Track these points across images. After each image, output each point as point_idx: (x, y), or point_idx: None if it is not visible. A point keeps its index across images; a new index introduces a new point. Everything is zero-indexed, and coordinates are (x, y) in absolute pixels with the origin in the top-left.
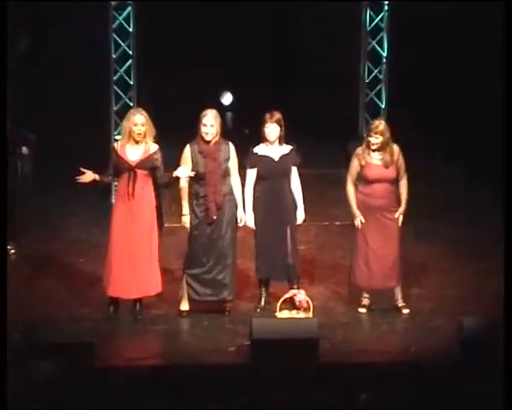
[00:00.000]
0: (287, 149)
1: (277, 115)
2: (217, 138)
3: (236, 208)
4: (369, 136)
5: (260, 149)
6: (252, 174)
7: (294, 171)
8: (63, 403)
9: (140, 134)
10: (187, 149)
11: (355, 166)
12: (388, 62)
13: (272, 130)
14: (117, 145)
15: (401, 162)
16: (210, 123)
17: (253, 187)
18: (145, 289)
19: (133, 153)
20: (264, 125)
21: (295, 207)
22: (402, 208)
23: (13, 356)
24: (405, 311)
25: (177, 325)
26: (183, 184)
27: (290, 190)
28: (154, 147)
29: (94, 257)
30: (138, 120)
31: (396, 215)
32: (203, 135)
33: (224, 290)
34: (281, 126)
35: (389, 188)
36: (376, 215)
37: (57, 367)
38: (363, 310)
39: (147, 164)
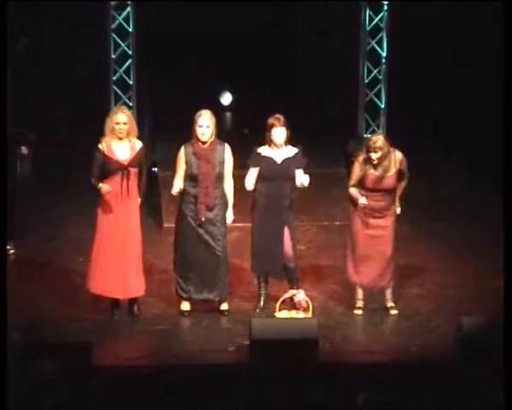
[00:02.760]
0: (291, 151)
1: (283, 118)
2: (212, 139)
3: (224, 211)
4: (368, 152)
5: (264, 150)
6: (253, 172)
7: (300, 173)
8: (62, 403)
9: (122, 132)
10: (181, 151)
11: (356, 172)
12: (388, 62)
13: (281, 133)
14: (102, 146)
15: (404, 169)
16: (206, 124)
17: (253, 185)
18: (131, 289)
19: (121, 152)
20: (272, 129)
21: (294, 210)
22: (396, 210)
23: (12, 356)
24: (393, 312)
25: (177, 324)
26: (176, 186)
27: (291, 191)
28: (139, 144)
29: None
30: (120, 119)
31: (393, 216)
32: (199, 136)
33: (211, 291)
34: (287, 129)
35: (387, 194)
36: (372, 215)
37: (56, 367)
38: (359, 312)
39: (136, 162)
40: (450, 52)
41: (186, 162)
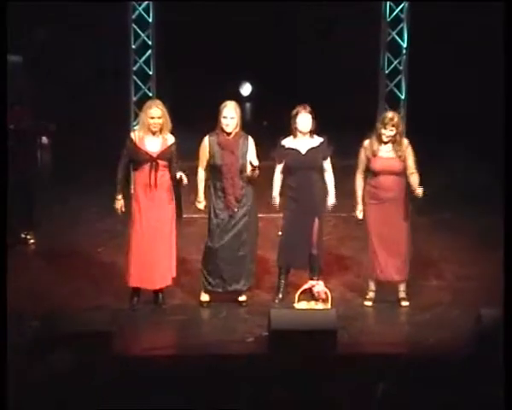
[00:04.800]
0: (316, 141)
1: (309, 107)
2: (237, 130)
3: (253, 200)
4: (382, 128)
5: (288, 142)
6: (280, 168)
7: (327, 163)
8: (80, 392)
9: (156, 127)
10: (205, 141)
11: (362, 159)
12: (408, 53)
13: (306, 121)
14: (135, 136)
15: (409, 155)
16: (230, 115)
17: (281, 178)
18: (165, 278)
19: (152, 144)
20: (297, 116)
21: (324, 199)
22: (418, 191)
23: (31, 345)
24: (405, 303)
25: (196, 315)
26: (200, 175)
27: (319, 182)
28: (171, 139)
29: (113, 247)
30: (155, 114)
31: (405, 211)
32: (223, 127)
33: (239, 281)
34: (313, 118)
35: (397, 180)
36: (386, 207)
37: (74, 356)
38: (369, 303)
39: (166, 155)
40: (472, 42)
41: (210, 152)
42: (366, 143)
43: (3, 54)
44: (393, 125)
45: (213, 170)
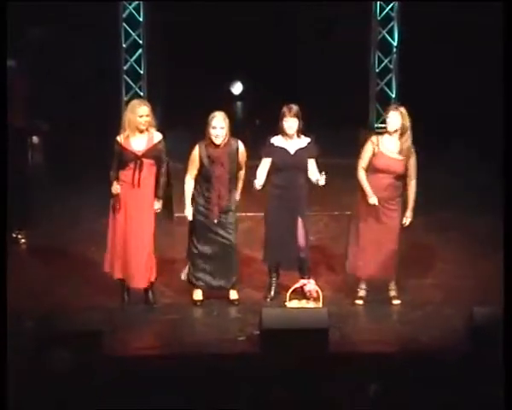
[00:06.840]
0: (304, 141)
1: (296, 108)
2: (226, 141)
3: (236, 203)
4: (388, 112)
5: (277, 141)
6: (266, 162)
7: (312, 162)
8: (79, 392)
9: (145, 125)
10: (196, 150)
11: (368, 151)
12: (399, 52)
13: (292, 124)
14: (120, 138)
15: (413, 162)
16: (220, 125)
17: (265, 175)
18: (144, 278)
19: (138, 143)
20: (283, 118)
21: (308, 200)
22: (409, 212)
23: (31, 345)
24: (396, 302)
25: (187, 314)
26: (188, 185)
27: (305, 182)
28: (158, 136)
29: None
30: (143, 112)
31: (404, 220)
32: (213, 138)
33: (223, 277)
34: (299, 119)
35: (394, 182)
36: (380, 205)
37: (73, 356)
38: (359, 302)
39: (152, 153)
40: (463, 41)
41: (200, 162)
42: (374, 137)
43: (3, 54)
44: (401, 115)
45: (203, 178)
